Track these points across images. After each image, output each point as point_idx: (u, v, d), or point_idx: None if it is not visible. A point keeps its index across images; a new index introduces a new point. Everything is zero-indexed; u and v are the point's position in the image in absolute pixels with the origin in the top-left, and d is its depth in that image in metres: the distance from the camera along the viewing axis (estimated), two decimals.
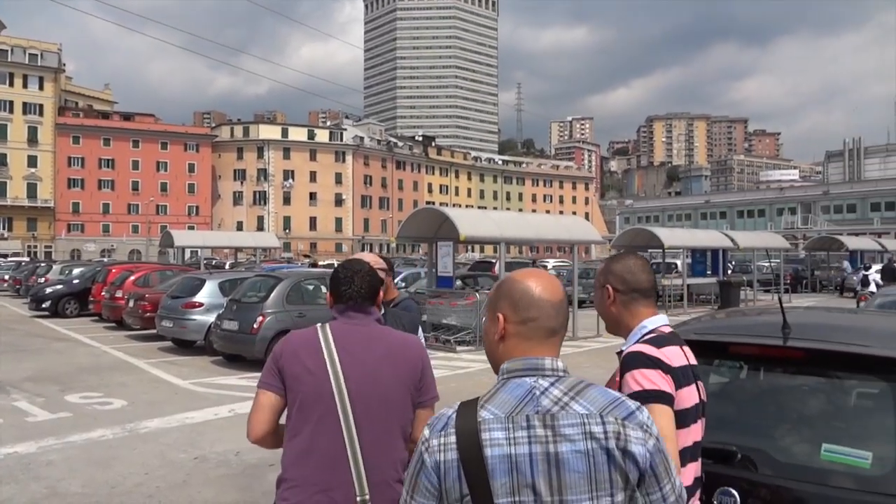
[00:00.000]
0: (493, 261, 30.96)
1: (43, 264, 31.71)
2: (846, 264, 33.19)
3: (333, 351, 2.28)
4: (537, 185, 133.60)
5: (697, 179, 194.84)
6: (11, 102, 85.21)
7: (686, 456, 1.96)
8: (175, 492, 5.59)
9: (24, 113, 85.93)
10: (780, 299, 3.17)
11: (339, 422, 2.19)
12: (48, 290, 21.49)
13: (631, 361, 1.97)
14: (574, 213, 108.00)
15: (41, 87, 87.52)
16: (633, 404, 1.50)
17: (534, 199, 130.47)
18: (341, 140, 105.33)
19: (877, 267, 24.90)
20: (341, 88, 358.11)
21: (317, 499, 2.17)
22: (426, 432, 1.52)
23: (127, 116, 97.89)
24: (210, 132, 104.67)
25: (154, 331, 14.53)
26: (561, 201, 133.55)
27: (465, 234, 14.11)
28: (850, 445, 2.34)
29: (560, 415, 1.45)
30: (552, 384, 1.51)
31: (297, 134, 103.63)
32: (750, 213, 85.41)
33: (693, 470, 1.98)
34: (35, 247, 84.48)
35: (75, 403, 8.87)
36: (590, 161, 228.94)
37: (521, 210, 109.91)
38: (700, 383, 2.06)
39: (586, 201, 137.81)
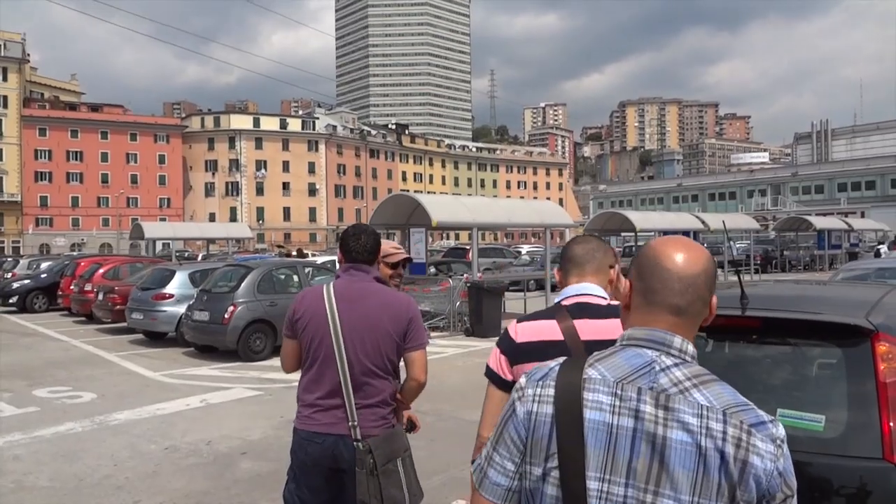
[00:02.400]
0: (467, 248, 31.00)
1: (9, 259, 31.12)
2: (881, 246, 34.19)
3: (333, 302, 2.80)
4: (511, 171, 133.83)
5: (670, 163, 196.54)
6: None
7: None
8: (144, 482, 5.54)
9: None
10: (738, 272, 3.21)
11: (336, 359, 2.74)
12: (15, 285, 21.10)
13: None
14: (548, 198, 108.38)
15: (5, 79, 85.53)
16: (766, 416, 1.26)
17: (508, 186, 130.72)
18: (314, 129, 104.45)
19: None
20: (313, 77, 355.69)
21: (318, 416, 2.77)
22: (522, 380, 1.38)
23: (95, 108, 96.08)
24: (180, 123, 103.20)
25: (124, 323, 14.35)
26: (535, 187, 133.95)
27: (438, 219, 14.10)
28: (806, 410, 2.37)
29: (677, 398, 1.24)
30: (675, 365, 1.29)
31: (269, 123, 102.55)
32: (721, 196, 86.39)
33: None
34: (2, 242, 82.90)
35: (43, 398, 8.74)
36: (563, 147, 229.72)
37: (495, 196, 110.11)
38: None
39: (560, 187, 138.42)
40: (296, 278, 12.76)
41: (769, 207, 75.27)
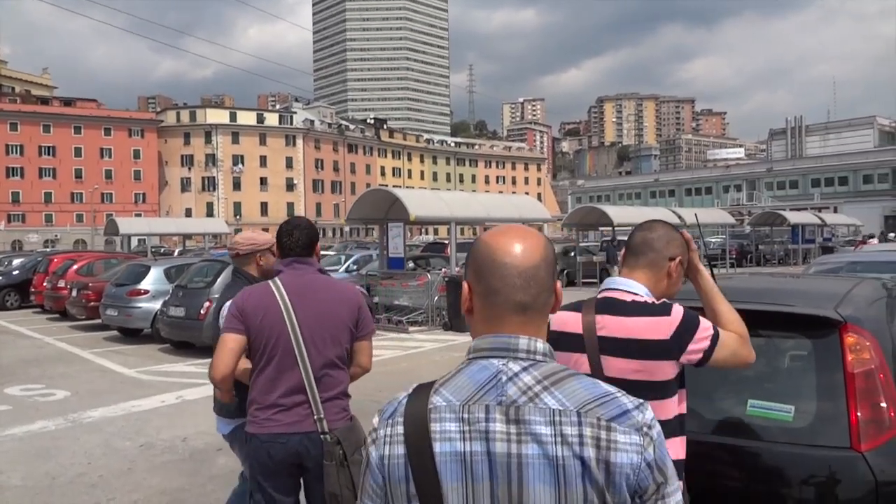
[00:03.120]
0: (446, 242, 30.98)
1: None
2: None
3: (286, 298, 2.74)
4: (490, 166, 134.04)
5: (647, 159, 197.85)
6: None
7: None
8: (119, 479, 5.48)
9: None
10: (710, 266, 3.23)
11: (296, 355, 2.70)
12: None
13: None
14: (527, 193, 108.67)
15: None
16: (630, 402, 1.16)
17: (487, 181, 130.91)
18: (291, 124, 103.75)
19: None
20: (290, 71, 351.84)
21: (280, 416, 2.71)
22: (375, 420, 1.25)
23: (67, 102, 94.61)
24: (155, 117, 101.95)
25: (99, 320, 14.15)
26: (514, 182, 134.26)
27: (415, 214, 14.08)
28: (777, 401, 2.41)
29: (527, 408, 1.14)
30: (524, 369, 1.19)
31: (246, 118, 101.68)
32: (698, 191, 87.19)
33: None
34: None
35: (15, 396, 8.61)
36: (542, 142, 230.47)
37: (474, 191, 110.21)
38: (609, 359, 1.92)
39: (538, 182, 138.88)
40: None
41: (744, 202, 76.07)
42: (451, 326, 13.74)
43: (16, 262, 22.98)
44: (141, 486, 5.31)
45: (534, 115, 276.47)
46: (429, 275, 14.73)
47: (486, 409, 1.15)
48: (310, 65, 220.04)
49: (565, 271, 24.84)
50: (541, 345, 1.23)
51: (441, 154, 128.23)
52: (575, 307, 2.07)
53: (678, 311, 1.96)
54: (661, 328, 1.92)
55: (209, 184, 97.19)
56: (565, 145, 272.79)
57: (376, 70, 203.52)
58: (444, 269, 15.29)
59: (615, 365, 1.91)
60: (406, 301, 14.76)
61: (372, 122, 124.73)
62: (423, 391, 1.22)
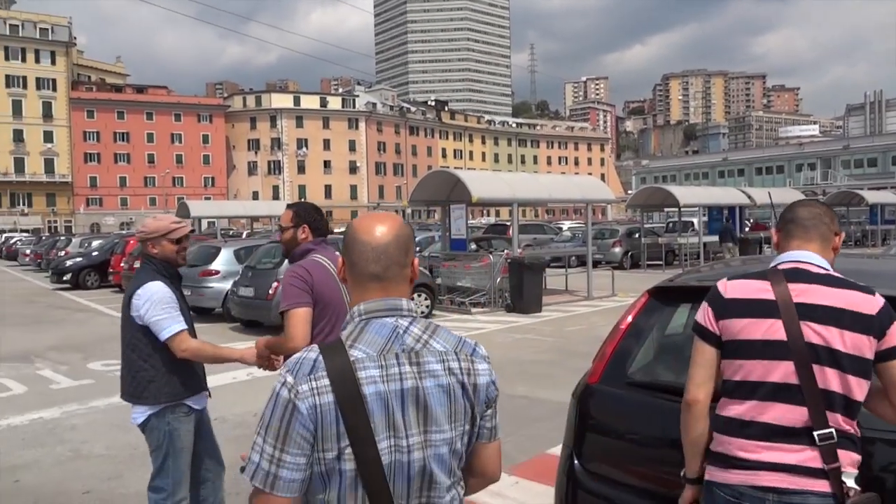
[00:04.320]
0: (508, 224, 30.87)
1: (63, 238, 32.09)
2: None
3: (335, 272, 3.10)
4: (552, 147, 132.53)
5: (715, 137, 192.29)
6: (25, 78, 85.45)
7: (740, 390, 1.95)
8: None
9: (38, 88, 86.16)
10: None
11: None
12: (68, 262, 21.77)
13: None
14: (590, 174, 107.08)
15: (53, 62, 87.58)
16: (472, 342, 1.58)
17: (549, 162, 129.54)
18: (354, 107, 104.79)
19: None
20: (352, 54, 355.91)
21: None
22: (290, 379, 1.43)
23: (140, 89, 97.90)
24: (223, 103, 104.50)
25: None
26: (576, 163, 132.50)
27: (477, 195, 14.06)
28: None
29: (423, 352, 1.49)
30: (411, 324, 1.53)
31: (310, 102, 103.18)
32: (768, 170, 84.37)
33: (749, 410, 1.92)
34: (55, 222, 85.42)
35: (97, 371, 9.05)
36: (605, 121, 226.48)
37: (536, 172, 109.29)
38: (813, 325, 1.89)
39: (602, 162, 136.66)
40: (337, 253, 12.89)
41: (819, 182, 73.26)
42: (513, 308, 13.73)
43: (95, 243, 24.09)
44: None
45: (597, 94, 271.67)
46: (491, 256, 14.73)
47: (396, 357, 1.47)
48: (371, 48, 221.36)
49: (629, 253, 24.45)
50: (412, 304, 1.58)
51: (502, 135, 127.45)
52: (758, 275, 2.03)
53: (879, 294, 1.93)
54: (869, 304, 1.89)
55: (275, 167, 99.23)
56: (629, 124, 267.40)
57: (437, 52, 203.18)
58: (506, 251, 15.25)
59: (820, 332, 1.88)
60: (468, 282, 14.80)
61: (433, 103, 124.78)
62: (335, 349, 1.46)
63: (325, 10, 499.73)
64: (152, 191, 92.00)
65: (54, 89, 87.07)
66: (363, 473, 1.41)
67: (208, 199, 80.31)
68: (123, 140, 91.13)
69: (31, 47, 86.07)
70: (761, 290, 1.97)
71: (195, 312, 13.97)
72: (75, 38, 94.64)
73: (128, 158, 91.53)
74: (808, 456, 1.85)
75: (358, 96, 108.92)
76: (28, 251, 33.31)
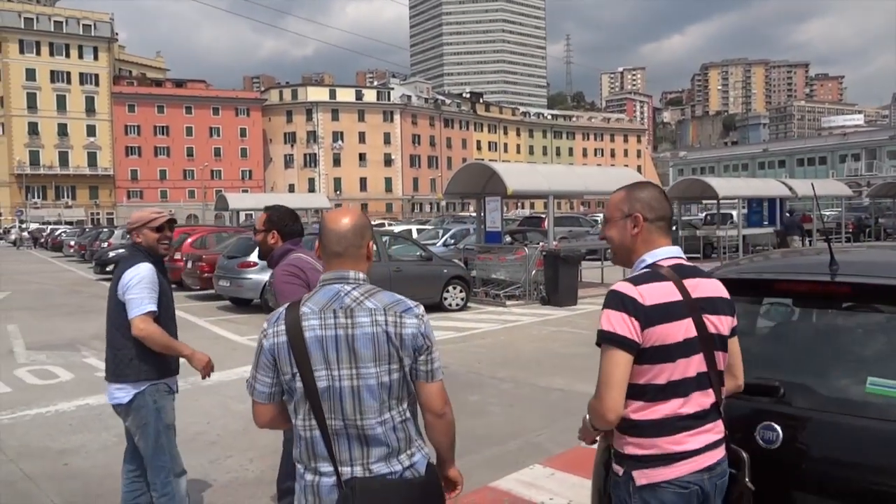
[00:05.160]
0: (543, 216, 30.70)
1: (105, 230, 32.82)
2: None
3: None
4: (588, 139, 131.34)
5: (755, 128, 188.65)
6: (69, 73, 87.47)
7: (668, 391, 2.02)
8: (235, 438, 5.84)
9: (81, 83, 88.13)
10: (827, 240, 3.11)
11: None
12: (111, 254, 22.25)
13: (608, 300, 2.05)
14: (626, 166, 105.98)
15: (96, 57, 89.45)
16: (411, 303, 2.06)
17: (584, 154, 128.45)
18: (389, 100, 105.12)
19: None
20: (387, 47, 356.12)
21: None
22: (265, 324, 2.07)
23: (179, 83, 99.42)
24: (259, 96, 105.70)
25: (212, 290, 14.98)
26: (612, 155, 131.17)
27: (513, 188, 14.03)
28: None
29: (356, 309, 2.00)
30: (353, 288, 2.05)
31: (345, 95, 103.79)
32: (811, 161, 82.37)
33: (678, 405, 2.02)
34: (97, 214, 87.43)
35: None
36: (642, 113, 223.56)
37: (571, 164, 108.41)
38: (710, 317, 2.06)
39: (638, 154, 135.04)
40: (373, 247, 12.98)
41: (863, 173, 71.37)
42: (548, 301, 13.69)
43: None
44: (255, 446, 5.64)
45: (634, 85, 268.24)
46: (526, 249, 14.69)
47: (333, 312, 2.01)
48: (406, 40, 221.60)
49: None
50: (361, 274, 2.09)
51: (537, 127, 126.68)
52: (658, 277, 2.07)
53: None
54: (723, 289, 2.17)
55: (311, 160, 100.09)
56: (667, 115, 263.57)
57: (472, 43, 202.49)
58: (541, 243, 15.20)
59: (714, 322, 2.08)
60: (503, 275, 14.79)
61: (468, 95, 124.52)
62: (293, 307, 2.05)
63: (360, 3, 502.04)
64: (191, 183, 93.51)
65: (97, 84, 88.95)
66: (306, 392, 1.99)
67: (245, 191, 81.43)
68: (163, 134, 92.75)
69: (74, 43, 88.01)
70: (670, 292, 2.04)
71: (234, 303, 14.31)
72: (117, 33, 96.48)
73: (167, 152, 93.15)
74: (717, 429, 2.10)
75: (393, 89, 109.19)
76: (72, 242, 34.13)
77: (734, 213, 26.49)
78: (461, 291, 13.36)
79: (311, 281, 3.21)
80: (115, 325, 3.47)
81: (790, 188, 24.10)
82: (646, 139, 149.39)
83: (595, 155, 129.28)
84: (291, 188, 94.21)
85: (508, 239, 17.27)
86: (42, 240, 48.00)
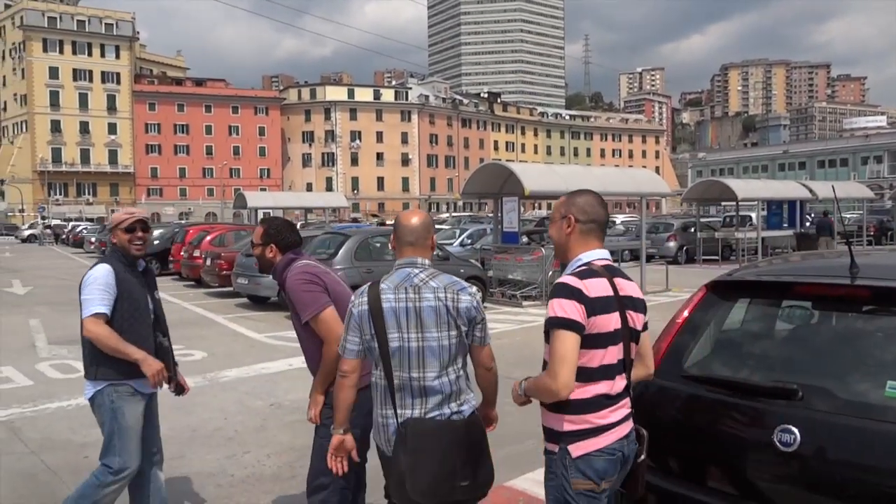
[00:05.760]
0: None
1: None
2: None
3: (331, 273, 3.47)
4: (606, 139, 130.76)
5: (775, 129, 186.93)
6: (91, 72, 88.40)
7: (599, 373, 2.35)
8: (252, 435, 5.89)
9: (103, 81, 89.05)
10: (847, 242, 3.08)
11: None
12: None
13: (556, 290, 2.36)
14: (644, 167, 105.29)
15: (117, 56, 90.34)
16: (466, 284, 2.67)
17: (602, 155, 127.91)
18: (406, 99, 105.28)
19: None
20: (406, 47, 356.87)
21: None
22: (353, 297, 2.68)
23: (199, 82, 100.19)
24: (278, 95, 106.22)
25: (230, 288, 15.09)
26: (630, 156, 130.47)
27: (530, 188, 14.00)
28: None
29: (422, 287, 2.58)
30: (421, 271, 2.63)
31: (363, 94, 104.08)
32: (832, 163, 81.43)
33: (605, 386, 2.36)
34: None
35: None
36: (661, 113, 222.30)
37: (589, 165, 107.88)
38: (631, 313, 2.41)
39: (657, 155, 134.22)
40: (391, 246, 13.03)
41: (885, 175, 70.50)
42: None
43: (156, 232, 24.73)
44: (272, 442, 5.69)
45: (652, 86, 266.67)
46: (543, 249, 14.66)
47: (404, 289, 2.58)
48: (425, 40, 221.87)
49: (684, 248, 24.00)
50: (427, 261, 2.68)
51: (555, 127, 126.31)
52: (597, 274, 2.39)
53: None
54: (639, 290, 2.51)
55: (328, 159, 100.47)
56: (686, 116, 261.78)
57: (490, 43, 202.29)
58: None
59: (633, 317, 2.43)
60: (520, 275, 14.78)
61: (485, 96, 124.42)
62: (374, 285, 2.62)
63: (379, 3, 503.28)
64: (210, 182, 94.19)
65: (118, 83, 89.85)
66: (380, 351, 2.56)
67: (264, 190, 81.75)
68: (183, 132, 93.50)
69: (96, 42, 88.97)
70: (606, 287, 2.37)
71: (252, 301, 14.42)
72: (138, 32, 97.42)
73: (187, 150, 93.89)
74: (628, 405, 2.45)
75: (411, 88, 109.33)
76: (93, 239, 34.46)
77: (753, 215, 26.29)
78: (478, 291, 13.35)
79: (328, 283, 3.20)
80: (83, 324, 3.50)
81: (811, 190, 23.88)
82: (664, 140, 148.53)
83: (613, 156, 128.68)
84: (309, 187, 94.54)
85: (525, 239, 17.24)
86: (63, 236, 48.55)
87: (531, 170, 17.07)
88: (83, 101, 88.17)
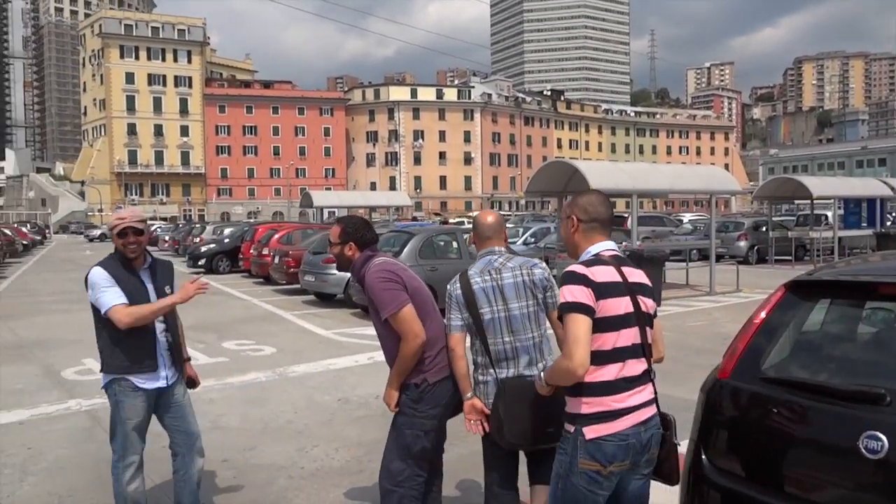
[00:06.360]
0: (625, 215, 30.10)
1: (197, 225, 34.23)
2: None
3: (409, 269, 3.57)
4: (672, 136, 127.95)
5: (853, 124, 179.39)
6: (164, 76, 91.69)
7: (612, 356, 2.49)
8: (321, 429, 6.01)
9: (176, 86, 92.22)
10: None
11: (438, 311, 3.45)
12: (203, 248, 23.22)
13: (565, 278, 2.52)
14: (712, 164, 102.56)
15: (189, 61, 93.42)
16: (537, 261, 3.29)
17: (668, 152, 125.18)
18: (469, 98, 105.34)
19: None
20: (468, 45, 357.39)
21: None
22: (448, 285, 3.23)
23: (266, 84, 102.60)
24: (343, 96, 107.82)
25: (298, 285, 15.42)
26: (698, 153, 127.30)
27: (595, 186, 13.81)
28: None
29: (502, 269, 3.17)
30: (499, 257, 3.22)
31: (426, 94, 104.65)
32: None
33: (620, 368, 2.51)
34: (189, 211, 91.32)
35: (231, 349, 9.65)
36: (730, 109, 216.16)
37: (654, 163, 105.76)
38: (642, 298, 2.58)
39: (726, 152, 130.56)
40: (455, 244, 13.08)
41: None
42: None
43: (226, 231, 25.54)
44: (340, 437, 5.79)
45: (721, 81, 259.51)
46: None
47: (489, 272, 3.16)
48: (487, 38, 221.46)
49: (755, 247, 23.29)
50: (503, 249, 3.27)
51: (620, 124, 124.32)
52: (604, 262, 2.57)
53: None
54: (646, 276, 2.69)
55: (392, 159, 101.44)
56: (756, 112, 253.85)
57: (553, 41, 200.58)
58: (624, 243, 14.92)
59: (645, 303, 2.60)
60: None
61: (549, 93, 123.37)
62: (464, 273, 3.19)
63: (441, 3, 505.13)
64: (277, 182, 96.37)
65: (190, 86, 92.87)
66: (475, 324, 3.13)
67: (329, 189, 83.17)
68: (251, 133, 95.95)
69: (169, 47, 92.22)
70: (613, 273, 2.54)
71: (319, 298, 14.70)
72: (209, 37, 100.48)
73: (255, 151, 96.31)
74: (649, 391, 2.58)
75: (473, 87, 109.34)
76: (167, 238, 35.74)
77: (829, 213, 25.33)
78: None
79: (405, 280, 3.26)
80: (94, 321, 3.72)
81: (892, 188, 22.84)
82: (734, 136, 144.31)
83: (680, 153, 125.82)
84: (373, 186, 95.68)
85: None
86: None
87: (596, 167, 16.85)
88: (157, 105, 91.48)
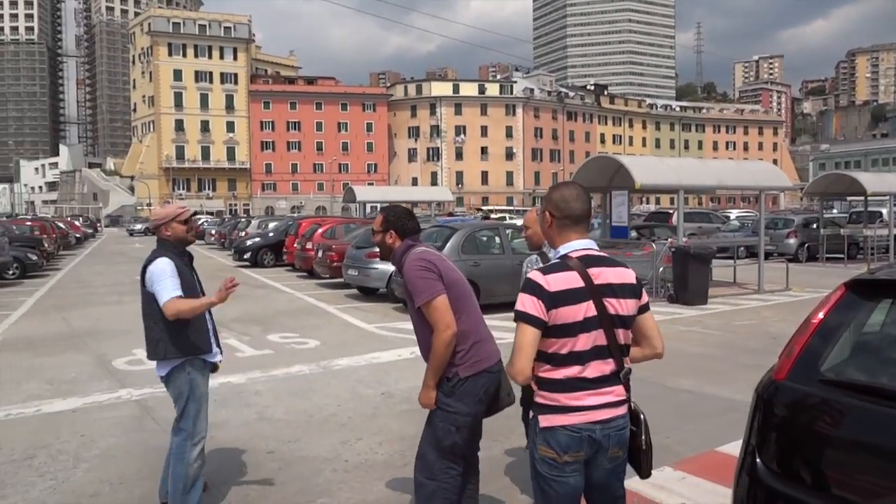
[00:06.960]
0: (670, 211, 29.65)
1: (243, 220, 34.79)
2: None
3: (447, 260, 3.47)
4: (719, 131, 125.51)
5: None
6: (211, 73, 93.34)
7: (569, 359, 2.51)
8: (365, 422, 6.04)
9: (222, 82, 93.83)
10: None
11: (475, 302, 3.41)
12: (248, 242, 23.58)
13: (523, 285, 2.55)
14: (760, 159, 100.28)
15: (235, 58, 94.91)
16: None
17: (715, 147, 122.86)
18: (511, 93, 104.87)
19: None
20: (510, 40, 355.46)
21: (487, 346, 3.36)
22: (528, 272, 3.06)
23: (310, 80, 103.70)
24: (385, 92, 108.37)
25: (341, 279, 15.55)
26: (746, 148, 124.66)
27: (641, 182, 13.61)
28: None
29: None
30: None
31: (468, 89, 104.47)
32: None
33: (577, 370, 2.52)
34: (235, 205, 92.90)
35: (276, 342, 9.78)
36: (779, 103, 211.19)
37: (700, 158, 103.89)
38: (610, 300, 2.53)
39: (774, 147, 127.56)
40: (497, 240, 13.04)
41: None
42: (676, 299, 13.24)
43: (271, 225, 25.89)
44: (383, 430, 5.81)
45: (770, 74, 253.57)
46: (654, 245, 14.26)
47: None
48: (529, 33, 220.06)
49: (806, 245, 22.72)
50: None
51: (665, 119, 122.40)
52: (564, 267, 2.54)
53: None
54: (630, 275, 2.63)
55: (433, 154, 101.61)
56: (807, 106, 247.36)
57: (597, 34, 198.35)
58: (670, 239, 14.70)
59: (614, 304, 2.55)
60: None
61: (592, 88, 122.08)
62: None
63: None
64: (320, 177, 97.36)
65: (235, 83, 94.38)
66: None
67: (371, 184, 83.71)
68: (295, 129, 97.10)
69: (216, 45, 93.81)
70: (574, 280, 2.51)
71: (361, 292, 14.81)
72: (254, 34, 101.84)
73: (299, 146, 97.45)
74: (617, 392, 2.58)
75: (515, 82, 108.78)
76: (213, 231, 36.43)
77: (884, 211, 24.56)
78: None
79: (442, 270, 3.26)
80: (145, 312, 3.94)
81: None
82: (783, 131, 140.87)
83: (726, 148, 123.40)
84: (415, 181, 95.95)
85: (635, 234, 16.82)
86: None
87: (642, 163, 16.61)
88: (204, 102, 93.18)
